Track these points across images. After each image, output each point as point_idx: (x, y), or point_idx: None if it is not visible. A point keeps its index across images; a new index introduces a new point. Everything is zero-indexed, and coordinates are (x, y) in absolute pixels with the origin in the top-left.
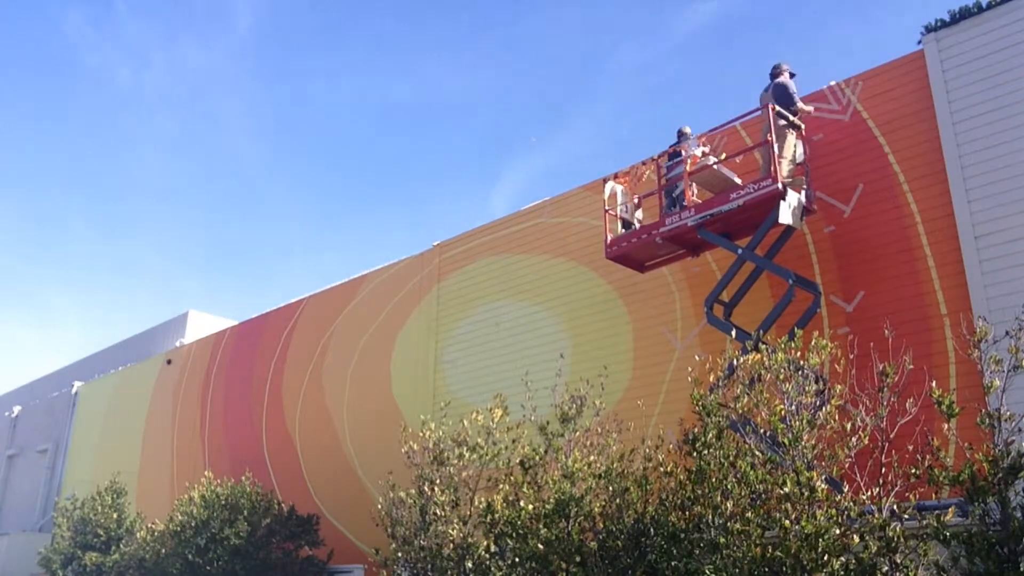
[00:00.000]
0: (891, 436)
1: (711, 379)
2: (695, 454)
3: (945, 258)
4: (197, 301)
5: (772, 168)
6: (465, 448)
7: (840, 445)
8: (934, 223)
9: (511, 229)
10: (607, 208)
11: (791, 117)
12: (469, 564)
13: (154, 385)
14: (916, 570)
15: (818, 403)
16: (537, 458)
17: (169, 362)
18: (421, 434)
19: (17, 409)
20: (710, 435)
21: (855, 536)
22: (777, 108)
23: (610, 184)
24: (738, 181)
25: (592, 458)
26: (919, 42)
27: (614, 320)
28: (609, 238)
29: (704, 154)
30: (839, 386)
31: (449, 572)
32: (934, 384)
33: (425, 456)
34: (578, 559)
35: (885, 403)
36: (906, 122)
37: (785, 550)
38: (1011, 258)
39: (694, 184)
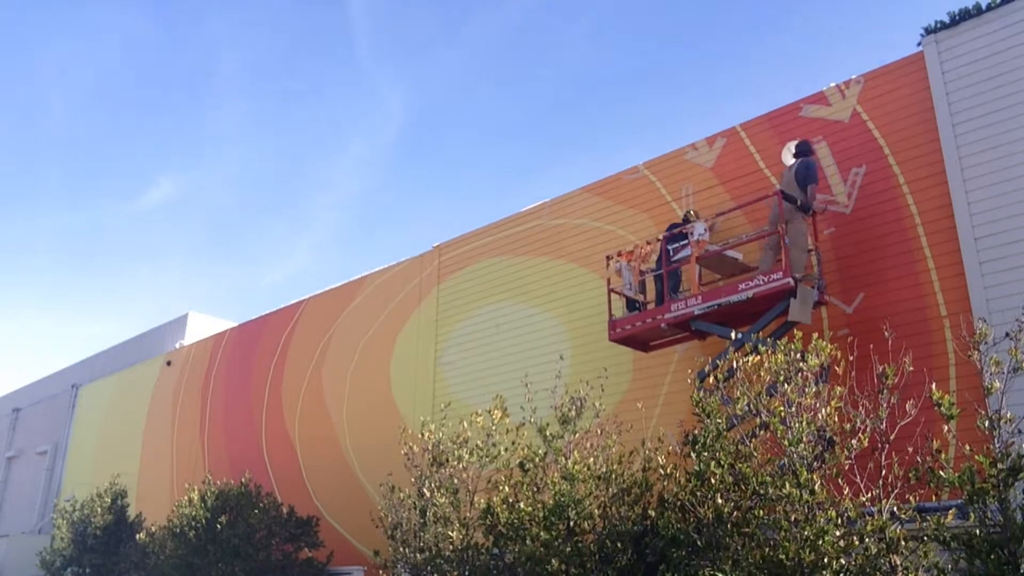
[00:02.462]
0: (891, 438)
1: (711, 381)
2: (694, 455)
3: (945, 259)
4: (197, 302)
5: (783, 260)
6: (465, 450)
7: (840, 446)
8: (934, 224)
9: (511, 231)
10: (611, 287)
11: (802, 201)
12: (469, 566)
13: (154, 387)
14: (916, 572)
15: (817, 405)
16: (536, 460)
17: (169, 363)
18: (421, 435)
19: (17, 410)
20: (709, 436)
21: (855, 538)
22: (785, 193)
23: (614, 262)
24: (739, 256)
25: (591, 460)
26: (919, 44)
27: None
28: (613, 319)
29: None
30: (839, 388)
31: (449, 574)
32: (934, 386)
33: (425, 457)
34: (577, 561)
35: (885, 405)
36: (906, 123)
37: (785, 552)
38: (1011, 259)
39: (699, 267)
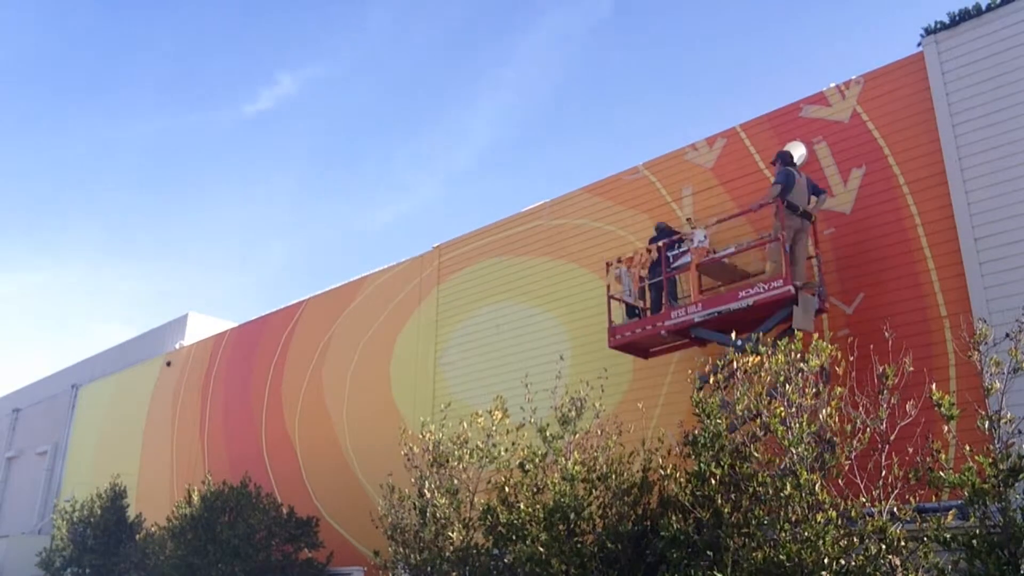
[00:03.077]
0: (891, 438)
1: (711, 381)
2: (694, 456)
3: (945, 259)
4: (197, 303)
5: (784, 268)
6: (465, 450)
7: (840, 447)
8: (934, 224)
9: (510, 231)
10: (611, 294)
11: (805, 209)
12: (469, 566)
13: (154, 387)
14: (916, 572)
15: (817, 405)
16: (536, 460)
17: (169, 364)
18: (421, 436)
19: (17, 410)
20: (709, 437)
21: (855, 539)
22: (786, 202)
23: (614, 268)
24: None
25: (592, 460)
26: (919, 44)
27: None
28: (612, 325)
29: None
30: (839, 388)
31: (449, 574)
32: (934, 386)
33: (425, 458)
34: (578, 561)
35: (885, 405)
36: (906, 124)
37: (786, 552)
38: (1011, 259)
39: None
